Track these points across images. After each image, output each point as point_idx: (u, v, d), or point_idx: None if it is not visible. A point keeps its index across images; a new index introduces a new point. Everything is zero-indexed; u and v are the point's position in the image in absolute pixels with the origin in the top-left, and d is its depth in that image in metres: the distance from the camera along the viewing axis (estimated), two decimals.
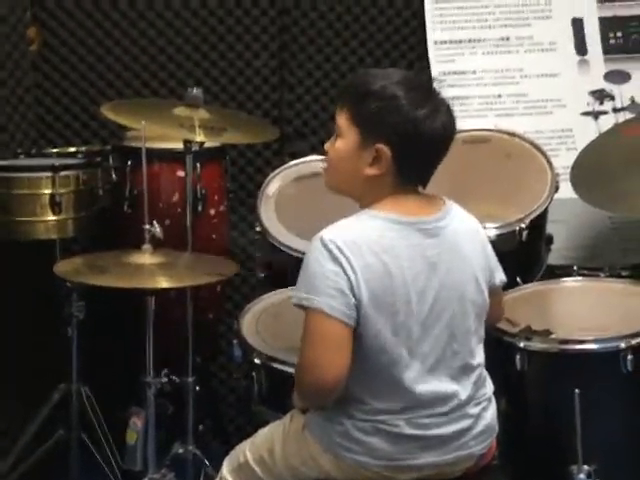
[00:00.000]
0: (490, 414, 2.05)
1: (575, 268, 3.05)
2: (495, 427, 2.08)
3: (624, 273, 3.02)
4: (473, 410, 1.99)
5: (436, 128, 1.91)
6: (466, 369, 1.98)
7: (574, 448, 2.37)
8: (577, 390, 2.36)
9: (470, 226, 2.06)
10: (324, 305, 1.83)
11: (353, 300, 1.84)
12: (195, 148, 2.69)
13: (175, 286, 2.44)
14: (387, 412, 1.92)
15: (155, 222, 2.45)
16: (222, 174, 3.26)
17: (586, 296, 2.76)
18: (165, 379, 2.55)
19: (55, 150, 3.17)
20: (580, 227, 3.21)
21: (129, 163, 3.08)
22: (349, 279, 1.84)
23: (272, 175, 2.95)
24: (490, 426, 2.04)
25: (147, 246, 2.44)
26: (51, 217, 2.77)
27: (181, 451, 2.75)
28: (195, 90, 2.69)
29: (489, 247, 2.10)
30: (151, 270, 2.39)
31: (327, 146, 2.03)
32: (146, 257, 2.43)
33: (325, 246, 1.85)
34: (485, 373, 2.07)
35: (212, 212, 3.16)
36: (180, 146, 2.77)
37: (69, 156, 3.07)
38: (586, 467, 2.37)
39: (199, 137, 2.63)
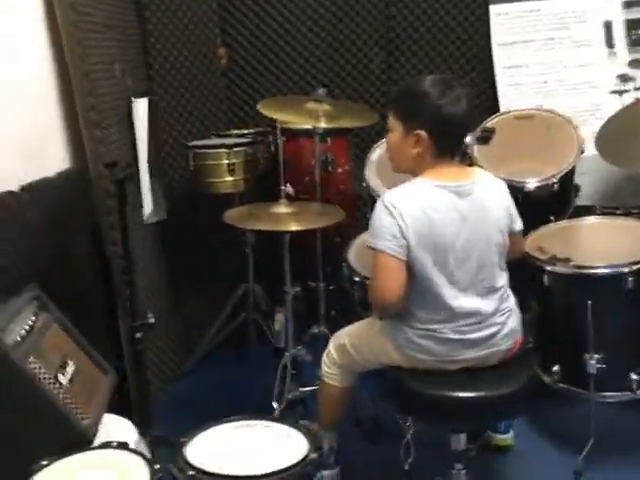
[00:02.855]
0: (512, 320, 1.86)
1: (597, 207, 2.72)
2: (518, 329, 1.89)
3: (634, 211, 2.65)
4: (499, 319, 1.82)
5: (457, 112, 1.72)
6: (491, 290, 1.80)
7: (587, 342, 2.13)
8: (589, 301, 2.10)
9: (495, 188, 1.85)
10: (383, 246, 1.70)
11: (404, 242, 1.70)
12: (320, 130, 2.51)
13: (300, 229, 2.22)
14: (435, 322, 1.78)
15: (288, 184, 2.33)
16: (347, 145, 3.06)
17: (602, 231, 2.43)
18: (297, 288, 2.42)
19: (235, 132, 3.07)
20: (602, 177, 2.83)
21: (283, 139, 2.97)
22: (400, 227, 1.70)
23: (375, 146, 2.75)
24: (513, 329, 1.86)
25: (283, 200, 2.32)
26: (228, 178, 2.69)
27: (316, 331, 2.67)
28: (321, 90, 2.51)
29: (510, 203, 1.88)
30: (286, 217, 2.25)
31: (386, 140, 1.86)
32: (282, 208, 2.29)
33: (384, 205, 1.73)
34: (508, 292, 1.87)
35: (339, 170, 2.99)
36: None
37: (242, 136, 2.96)
38: (596, 355, 2.12)
39: (322, 124, 2.44)
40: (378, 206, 1.75)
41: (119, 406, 2.13)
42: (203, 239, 2.98)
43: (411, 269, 1.73)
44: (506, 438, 2.29)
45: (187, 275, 3.05)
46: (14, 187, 1.85)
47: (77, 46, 2.18)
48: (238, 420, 1.44)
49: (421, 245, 1.71)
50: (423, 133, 1.73)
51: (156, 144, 1.98)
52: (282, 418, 1.43)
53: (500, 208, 1.82)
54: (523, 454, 2.30)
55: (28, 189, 1.90)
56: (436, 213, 1.72)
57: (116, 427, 1.59)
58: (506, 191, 1.88)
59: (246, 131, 3.01)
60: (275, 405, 2.28)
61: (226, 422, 1.44)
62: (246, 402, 2.47)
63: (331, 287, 2.72)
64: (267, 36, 3.28)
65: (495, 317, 1.80)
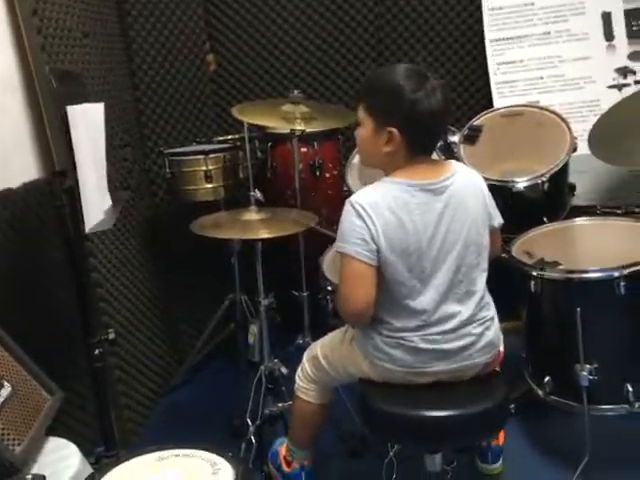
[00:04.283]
0: (492, 332, 1.67)
1: (598, 207, 2.53)
2: (497, 342, 1.70)
3: (637, 210, 2.45)
4: (476, 330, 1.64)
5: (432, 106, 1.54)
6: (469, 293, 1.63)
7: (577, 352, 1.94)
8: (578, 309, 1.91)
9: (473, 183, 1.67)
10: (352, 251, 1.55)
11: (374, 246, 1.54)
12: (298, 133, 2.38)
13: (268, 236, 2.02)
14: (405, 330, 1.61)
15: (257, 189, 2.19)
16: (336, 148, 2.93)
17: (594, 232, 2.24)
18: (272, 299, 2.24)
19: (220, 138, 2.93)
20: (602, 175, 2.64)
21: (269, 144, 2.85)
22: (370, 231, 1.54)
23: (356, 149, 2.59)
24: (492, 342, 1.67)
25: (253, 207, 2.17)
26: (206, 185, 2.54)
27: (301, 342, 2.53)
28: (296, 92, 2.38)
29: (489, 197, 1.70)
30: (255, 225, 2.09)
31: (355, 133, 1.69)
32: (252, 215, 2.14)
33: (353, 206, 1.57)
34: (488, 299, 1.69)
35: (327, 175, 2.86)
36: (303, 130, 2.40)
37: (225, 142, 2.82)
38: (587, 366, 1.94)
39: (299, 126, 2.30)
40: (346, 208, 1.59)
41: (85, 426, 2.04)
42: (190, 248, 2.85)
43: (382, 275, 1.58)
44: (495, 468, 2.09)
45: (177, 285, 2.94)
46: None
47: (41, 53, 2.08)
48: (164, 449, 1.30)
49: (392, 250, 1.55)
50: (396, 131, 1.58)
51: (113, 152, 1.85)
52: (214, 447, 1.28)
53: (478, 204, 1.65)
54: (513, 473, 2.10)
55: None
56: (409, 215, 1.56)
57: (59, 453, 1.47)
58: (484, 185, 1.70)
59: (230, 137, 2.88)
60: (249, 422, 2.13)
61: (151, 452, 1.30)
62: (229, 417, 2.36)
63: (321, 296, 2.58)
64: (255, 40, 3.16)
65: (471, 327, 1.63)
